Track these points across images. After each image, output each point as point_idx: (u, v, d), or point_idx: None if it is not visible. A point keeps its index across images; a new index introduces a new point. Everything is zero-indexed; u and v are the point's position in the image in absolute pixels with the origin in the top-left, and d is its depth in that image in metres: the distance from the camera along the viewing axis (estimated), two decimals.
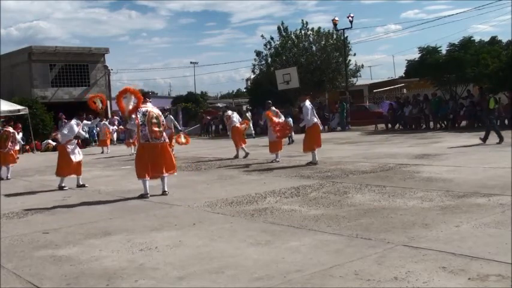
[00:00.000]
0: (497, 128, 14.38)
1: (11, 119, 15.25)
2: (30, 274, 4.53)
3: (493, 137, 13.95)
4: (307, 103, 12.18)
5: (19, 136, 13.97)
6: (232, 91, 76.83)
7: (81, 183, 10.34)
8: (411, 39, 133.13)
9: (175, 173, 8.98)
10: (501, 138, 13.87)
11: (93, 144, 25.27)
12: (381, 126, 25.69)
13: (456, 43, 24.10)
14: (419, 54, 24.99)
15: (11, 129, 13.33)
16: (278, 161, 12.79)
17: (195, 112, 34.80)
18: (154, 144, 8.38)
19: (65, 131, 10.39)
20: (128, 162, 14.80)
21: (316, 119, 12.14)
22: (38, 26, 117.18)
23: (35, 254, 5.21)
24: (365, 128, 26.22)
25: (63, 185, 10.16)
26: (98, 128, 22.92)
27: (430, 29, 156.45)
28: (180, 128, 18.50)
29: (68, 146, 10.23)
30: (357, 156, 13.07)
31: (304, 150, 12.10)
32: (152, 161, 8.38)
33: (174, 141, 14.57)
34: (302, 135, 13.07)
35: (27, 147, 23.12)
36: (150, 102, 8.86)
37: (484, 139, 13.97)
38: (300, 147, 12.69)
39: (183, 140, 15.16)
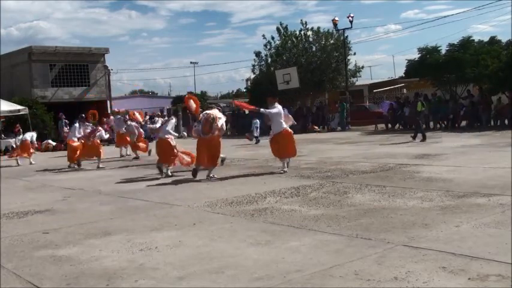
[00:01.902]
0: (422, 129, 17.05)
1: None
2: (30, 274, 4.53)
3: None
4: (276, 106, 11.10)
5: (99, 133, 15.21)
6: (232, 91, 76.83)
7: (170, 173, 11.30)
8: (411, 39, 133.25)
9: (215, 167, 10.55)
10: (425, 137, 16.32)
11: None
12: (381, 126, 25.69)
13: (456, 43, 24.13)
14: (419, 55, 25.00)
15: (100, 127, 15.60)
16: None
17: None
18: (204, 137, 10.36)
19: (168, 128, 11.51)
20: (124, 163, 14.84)
21: (285, 125, 11.01)
22: (38, 26, 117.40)
23: (35, 254, 5.21)
24: (365, 128, 26.22)
25: (170, 173, 11.28)
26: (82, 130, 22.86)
27: (430, 29, 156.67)
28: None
29: (171, 140, 11.42)
30: (357, 156, 13.07)
31: (276, 155, 11.23)
32: (205, 151, 10.36)
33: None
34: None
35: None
36: (217, 109, 10.98)
37: (415, 136, 16.50)
38: (297, 147, 12.61)
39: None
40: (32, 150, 17.37)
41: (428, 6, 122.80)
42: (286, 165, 10.90)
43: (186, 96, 13.42)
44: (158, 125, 14.08)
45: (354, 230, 5.40)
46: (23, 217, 7.37)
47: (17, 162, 16.91)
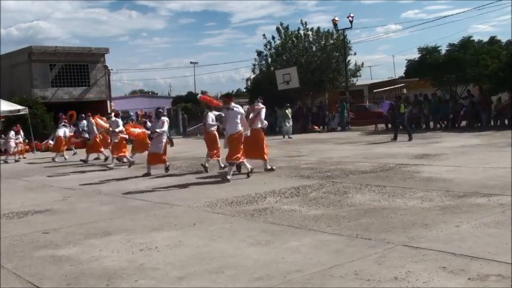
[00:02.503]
0: (408, 128, 18.06)
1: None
2: (30, 274, 4.53)
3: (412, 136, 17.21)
4: (235, 106, 10.25)
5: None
6: (232, 91, 76.70)
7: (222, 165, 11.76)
8: (411, 39, 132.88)
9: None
10: (396, 137, 17.46)
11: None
12: (381, 126, 25.67)
13: (456, 43, 24.13)
14: (419, 55, 25.01)
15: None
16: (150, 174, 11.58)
17: (195, 112, 34.74)
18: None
19: (209, 121, 12.00)
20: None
21: (240, 127, 10.06)
22: (38, 26, 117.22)
23: (35, 254, 5.21)
24: (365, 128, 26.22)
25: (222, 165, 11.75)
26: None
27: (430, 29, 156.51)
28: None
29: (216, 133, 12.07)
30: (357, 156, 13.07)
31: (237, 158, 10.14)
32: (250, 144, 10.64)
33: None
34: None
35: (27, 147, 23.12)
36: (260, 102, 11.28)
37: (410, 137, 17.13)
38: (297, 147, 12.62)
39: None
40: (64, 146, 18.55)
41: (428, 6, 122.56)
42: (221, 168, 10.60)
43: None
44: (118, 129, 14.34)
45: (354, 230, 5.40)
46: (23, 217, 7.37)
47: (54, 159, 17.71)
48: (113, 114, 16.23)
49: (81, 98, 30.34)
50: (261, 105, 11.15)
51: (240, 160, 10.16)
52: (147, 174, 11.56)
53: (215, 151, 11.83)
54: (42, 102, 27.46)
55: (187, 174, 11.53)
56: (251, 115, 10.91)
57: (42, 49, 29.90)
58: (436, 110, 22.95)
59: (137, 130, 13.87)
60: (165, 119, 12.46)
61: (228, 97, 10.81)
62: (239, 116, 10.09)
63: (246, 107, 14.40)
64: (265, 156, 10.92)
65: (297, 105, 30.32)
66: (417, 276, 3.84)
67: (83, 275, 4.42)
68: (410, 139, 16.96)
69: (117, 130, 14.37)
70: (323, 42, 30.91)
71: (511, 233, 4.84)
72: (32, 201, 8.81)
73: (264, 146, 11.00)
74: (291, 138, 22.66)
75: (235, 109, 10.13)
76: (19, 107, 23.78)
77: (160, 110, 12.85)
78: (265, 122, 11.23)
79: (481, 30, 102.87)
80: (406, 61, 26.77)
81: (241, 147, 10.10)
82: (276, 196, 7.80)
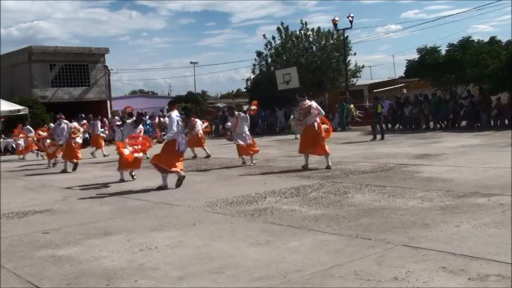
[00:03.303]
0: (383, 128, 19.36)
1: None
2: (30, 274, 4.53)
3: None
4: (175, 114, 9.38)
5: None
6: (232, 91, 76.77)
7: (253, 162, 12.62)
8: (411, 39, 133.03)
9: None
10: (383, 137, 18.42)
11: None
12: None
13: (456, 43, 24.12)
14: (419, 55, 25.01)
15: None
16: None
17: (196, 112, 34.73)
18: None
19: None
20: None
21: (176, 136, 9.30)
22: (38, 26, 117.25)
23: (35, 254, 5.22)
24: (365, 128, 26.19)
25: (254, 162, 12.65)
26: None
27: (430, 29, 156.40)
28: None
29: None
30: (357, 156, 13.06)
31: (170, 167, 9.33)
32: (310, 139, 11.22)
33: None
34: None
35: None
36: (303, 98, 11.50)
37: (375, 137, 18.47)
38: (298, 147, 12.56)
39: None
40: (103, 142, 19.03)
41: (428, 6, 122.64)
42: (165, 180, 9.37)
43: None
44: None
45: (354, 230, 5.40)
46: (23, 217, 7.37)
47: (93, 155, 18.23)
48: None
49: (81, 98, 30.39)
50: (308, 101, 11.23)
51: (173, 169, 9.23)
52: (123, 180, 10.94)
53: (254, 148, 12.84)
54: (42, 102, 27.51)
55: (187, 174, 11.51)
56: (303, 115, 11.17)
57: (42, 49, 29.94)
58: (436, 110, 22.93)
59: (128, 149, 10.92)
60: (142, 127, 11.62)
61: (171, 104, 10.65)
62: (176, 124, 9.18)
63: (246, 107, 14.34)
64: (327, 151, 11.05)
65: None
66: (417, 276, 3.84)
67: (83, 275, 4.43)
68: (373, 139, 18.12)
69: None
70: (323, 42, 30.90)
71: (511, 233, 4.84)
72: (32, 201, 8.82)
73: (323, 140, 11.07)
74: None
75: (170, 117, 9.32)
76: (19, 107, 23.82)
77: (144, 118, 11.90)
78: (322, 111, 11.49)
79: (481, 30, 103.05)
80: (406, 61, 26.82)
81: (174, 156, 9.25)
82: (276, 196, 7.80)
